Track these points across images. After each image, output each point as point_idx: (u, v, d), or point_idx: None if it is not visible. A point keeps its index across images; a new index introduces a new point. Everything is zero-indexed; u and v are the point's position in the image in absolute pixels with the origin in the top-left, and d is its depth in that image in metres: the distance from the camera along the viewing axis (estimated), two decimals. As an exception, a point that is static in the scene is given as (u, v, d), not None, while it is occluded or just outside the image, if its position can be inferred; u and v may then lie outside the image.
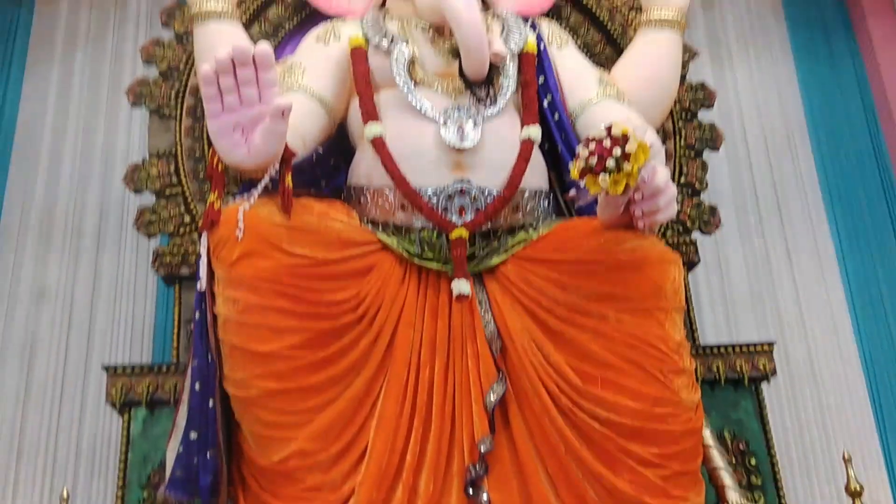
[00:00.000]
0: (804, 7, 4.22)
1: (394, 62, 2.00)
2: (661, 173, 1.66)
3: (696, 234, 2.39)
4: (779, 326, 3.59)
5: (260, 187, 1.72)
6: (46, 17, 3.81)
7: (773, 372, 2.28)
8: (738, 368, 2.25)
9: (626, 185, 1.59)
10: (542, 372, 1.72)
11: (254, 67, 1.55)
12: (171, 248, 2.14)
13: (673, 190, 1.70)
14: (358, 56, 2.05)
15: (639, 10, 2.43)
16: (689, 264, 2.36)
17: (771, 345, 2.32)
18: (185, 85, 2.26)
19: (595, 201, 1.77)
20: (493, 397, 1.71)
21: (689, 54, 2.46)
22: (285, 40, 2.43)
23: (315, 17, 2.35)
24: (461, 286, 1.76)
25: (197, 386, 1.71)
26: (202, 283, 1.71)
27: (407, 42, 2.06)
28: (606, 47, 2.55)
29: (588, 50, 2.51)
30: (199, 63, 2.07)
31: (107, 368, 2.11)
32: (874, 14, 4.04)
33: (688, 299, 2.24)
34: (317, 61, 2.10)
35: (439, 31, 2.09)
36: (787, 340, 3.55)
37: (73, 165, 3.57)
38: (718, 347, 2.30)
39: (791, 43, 4.16)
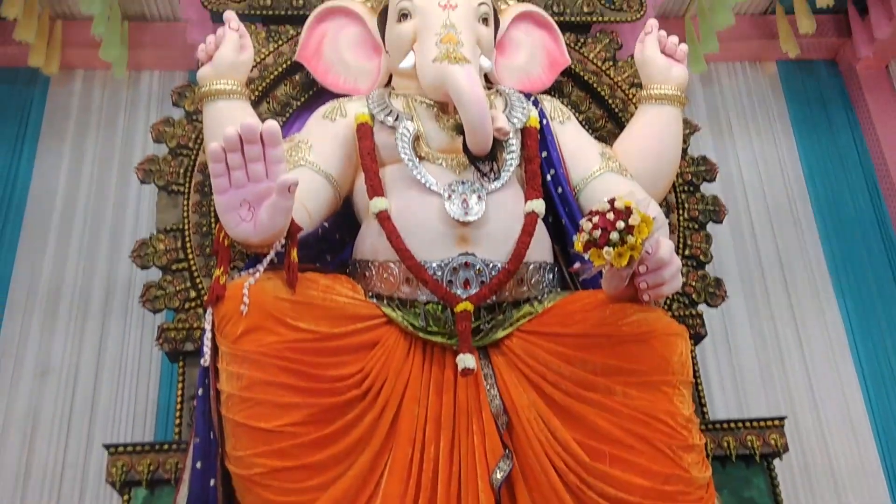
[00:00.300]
0: (801, 82, 4.31)
1: (399, 138, 2.02)
2: (664, 246, 1.66)
3: (702, 307, 2.37)
4: (789, 400, 3.54)
5: (265, 262, 1.73)
6: (60, 97, 3.91)
7: (785, 448, 2.23)
8: (750, 444, 2.21)
9: (630, 258, 1.59)
10: (549, 448, 1.69)
11: (261, 144, 1.57)
12: (176, 324, 2.14)
13: (677, 262, 1.70)
14: (364, 132, 2.08)
15: (639, 86, 2.48)
16: (697, 338, 2.34)
17: (782, 420, 2.28)
18: (194, 161, 2.29)
19: (600, 274, 1.77)
20: (499, 475, 1.68)
21: (689, 129, 2.49)
22: (293, 118, 2.47)
23: (322, 96, 2.40)
24: (466, 361, 1.74)
25: (198, 465, 1.69)
26: (206, 359, 1.70)
27: (412, 119, 2.09)
28: (608, 122, 2.58)
29: (590, 125, 2.55)
30: (207, 140, 2.10)
31: (107, 447, 2.07)
32: (870, 88, 4.12)
33: (696, 374, 2.21)
34: (323, 138, 2.13)
35: (443, 108, 2.13)
36: (798, 414, 3.50)
37: (81, 241, 3.61)
38: (729, 423, 2.26)
39: (790, 116, 4.23)
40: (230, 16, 2.13)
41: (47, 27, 3.75)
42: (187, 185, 2.27)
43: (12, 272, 3.52)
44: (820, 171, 4.09)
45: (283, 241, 1.72)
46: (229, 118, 2.01)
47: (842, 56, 4.32)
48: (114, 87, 3.96)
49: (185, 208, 2.24)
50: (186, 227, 2.22)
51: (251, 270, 1.74)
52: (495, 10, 2.34)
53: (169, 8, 3.93)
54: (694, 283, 2.36)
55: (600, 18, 2.68)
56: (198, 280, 2.17)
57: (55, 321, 3.45)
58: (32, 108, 3.85)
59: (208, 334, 1.70)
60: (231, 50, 2.09)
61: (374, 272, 1.94)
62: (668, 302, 2.33)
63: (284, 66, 2.44)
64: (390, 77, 2.36)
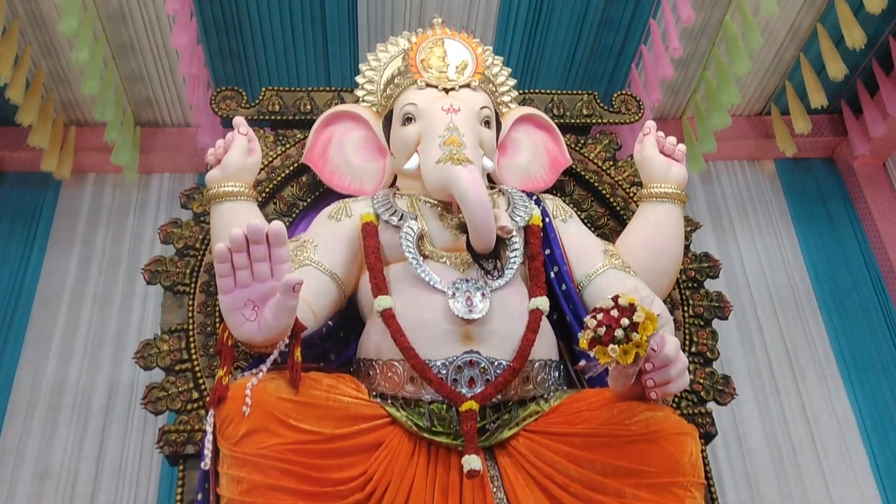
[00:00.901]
0: (800, 179, 4.38)
1: (403, 237, 2.04)
2: (670, 343, 1.65)
3: (711, 405, 2.33)
4: (804, 498, 3.44)
5: (269, 362, 1.72)
6: (71, 200, 3.99)
7: (805, 550, 2.15)
8: (767, 547, 2.12)
9: (636, 356, 1.58)
10: (558, 553, 1.63)
11: (267, 244, 1.59)
12: (177, 426, 2.10)
13: (684, 360, 1.69)
14: (369, 231, 2.11)
15: (639, 185, 2.51)
16: (707, 437, 2.29)
17: (799, 521, 2.21)
18: (201, 262, 2.31)
19: (606, 372, 1.76)
20: (507, 580, 1.62)
21: (691, 226, 2.51)
22: (299, 218, 2.50)
23: (328, 197, 2.44)
24: (472, 462, 1.70)
25: (197, 572, 1.63)
26: (206, 462, 1.67)
27: (416, 218, 2.12)
28: (610, 220, 2.61)
29: (592, 223, 2.57)
30: (214, 241, 2.13)
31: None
32: (869, 185, 4.19)
33: (708, 474, 2.15)
34: (329, 237, 2.15)
35: (447, 207, 2.16)
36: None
37: (85, 343, 3.61)
38: (744, 525, 2.18)
39: (791, 212, 4.28)
40: (240, 121, 2.20)
41: (61, 133, 3.86)
42: (193, 285, 2.28)
43: (16, 373, 3.51)
44: (823, 265, 4.10)
45: (286, 341, 1.71)
46: (236, 219, 2.04)
47: (839, 154, 4.40)
48: (124, 190, 4.04)
49: (191, 308, 2.24)
50: (191, 327, 2.22)
51: (254, 371, 1.73)
52: (497, 113, 2.40)
53: (180, 114, 4.05)
54: (702, 381, 2.33)
55: (599, 120, 2.75)
56: (201, 381, 2.15)
57: (56, 423, 3.41)
58: (43, 211, 3.92)
59: (209, 437, 1.68)
60: (240, 153, 2.14)
61: (378, 371, 1.93)
62: (677, 400, 2.29)
63: (291, 168, 2.48)
64: (395, 178, 2.40)
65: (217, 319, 2.23)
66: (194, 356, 2.18)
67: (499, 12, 3.61)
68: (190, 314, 2.23)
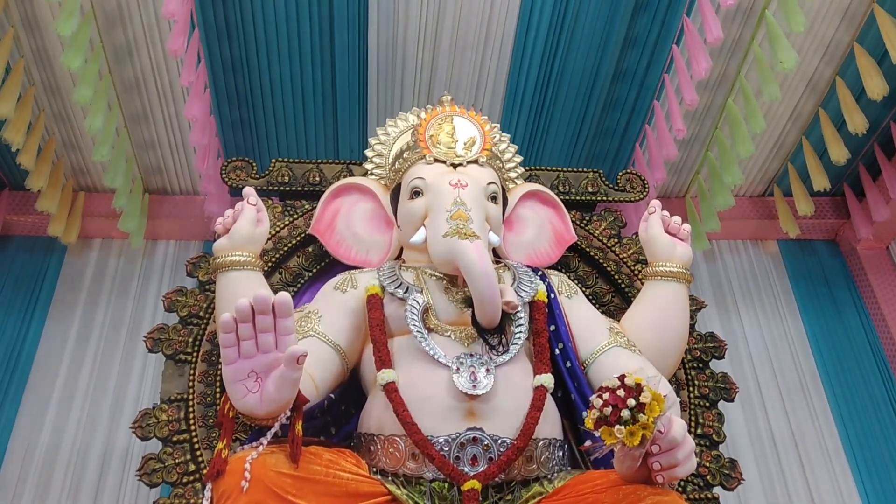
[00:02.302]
0: (803, 261, 4.39)
1: (409, 310, 2.04)
2: (677, 425, 1.63)
3: (717, 490, 2.29)
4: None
5: (269, 435, 1.69)
6: (75, 265, 3.99)
7: None
8: None
9: (643, 437, 1.55)
10: None
11: (272, 316, 1.58)
12: (172, 499, 2.06)
13: (691, 443, 1.66)
14: (374, 303, 2.10)
15: (644, 262, 2.53)
16: (714, 522, 2.24)
17: None
18: (204, 331, 2.30)
19: (611, 453, 1.73)
20: None
21: (696, 305, 2.51)
22: (304, 288, 2.50)
23: (334, 267, 2.45)
24: (474, 544, 1.66)
25: None
26: (201, 538, 1.63)
27: (421, 291, 2.12)
28: (614, 297, 2.61)
29: (596, 300, 2.57)
30: (219, 310, 2.12)
31: None
32: (873, 268, 4.19)
33: (715, 562, 2.10)
34: (333, 309, 2.15)
35: (453, 281, 2.17)
36: None
37: (81, 412, 3.57)
38: None
39: (794, 294, 4.28)
40: (249, 191, 2.22)
41: (70, 198, 3.90)
42: (195, 354, 2.26)
43: (9, 441, 3.45)
44: (828, 347, 4.08)
45: (288, 414, 1.69)
46: (242, 289, 2.05)
47: (842, 236, 4.43)
48: (129, 256, 4.05)
49: (192, 378, 2.22)
50: (191, 396, 2.19)
51: (254, 444, 1.70)
52: (503, 189, 2.43)
53: (189, 182, 4.09)
54: (708, 464, 2.29)
55: (605, 198, 2.78)
56: (198, 453, 2.12)
57: (47, 494, 3.34)
58: (47, 275, 3.92)
59: (205, 511, 1.64)
60: (248, 223, 2.16)
61: (379, 446, 1.90)
62: (683, 484, 2.24)
63: (298, 238, 2.50)
64: (401, 250, 2.42)
65: (218, 390, 2.21)
66: (193, 427, 2.15)
67: (506, 91, 3.69)
68: (191, 384, 2.21)
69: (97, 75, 3.22)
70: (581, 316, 2.27)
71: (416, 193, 2.25)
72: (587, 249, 2.64)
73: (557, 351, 2.17)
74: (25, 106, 3.30)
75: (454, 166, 2.30)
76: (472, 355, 1.96)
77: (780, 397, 3.91)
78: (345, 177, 2.63)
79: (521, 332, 2.06)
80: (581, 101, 3.74)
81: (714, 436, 2.34)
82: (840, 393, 3.93)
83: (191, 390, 2.21)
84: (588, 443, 1.70)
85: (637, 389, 1.57)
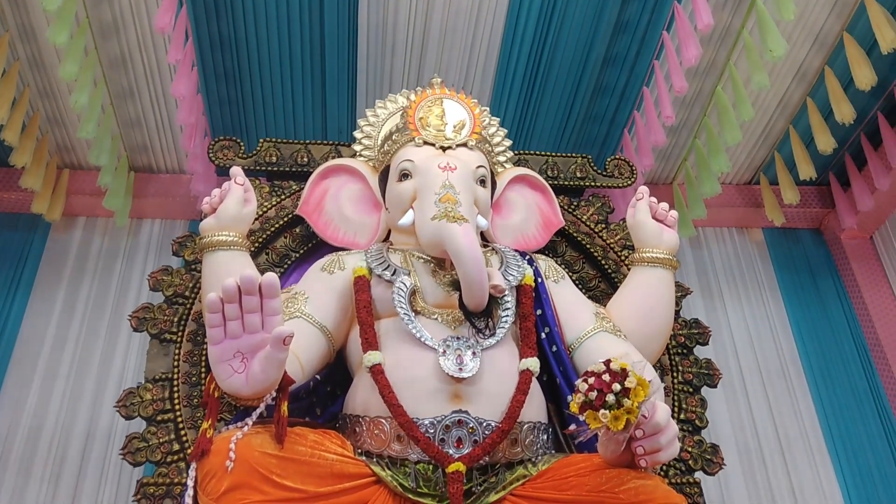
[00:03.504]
0: (788, 249, 4.42)
1: (396, 292, 2.04)
2: (661, 410, 1.64)
3: (699, 475, 2.31)
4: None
5: (255, 415, 1.69)
6: (59, 243, 3.95)
7: None
8: None
9: (627, 422, 1.56)
10: None
11: (259, 296, 1.58)
12: (156, 479, 2.05)
13: (674, 428, 1.67)
14: (361, 285, 2.10)
15: (631, 248, 2.54)
16: (694, 506, 2.27)
17: None
18: (189, 310, 2.29)
19: (595, 437, 1.74)
20: None
21: (681, 291, 2.52)
22: (291, 269, 2.50)
23: (321, 248, 2.44)
24: (457, 525, 1.66)
25: None
26: (185, 517, 1.63)
27: (409, 274, 2.12)
28: (601, 283, 2.62)
29: (583, 285, 2.58)
30: (205, 290, 2.11)
31: None
32: (856, 258, 4.22)
33: (695, 545, 2.12)
34: (320, 290, 2.15)
35: (440, 264, 2.17)
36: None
37: (64, 390, 3.55)
38: None
39: (778, 282, 4.31)
40: (237, 171, 2.21)
41: (54, 175, 3.86)
42: (180, 333, 2.25)
43: (-8, 421, 3.43)
44: (810, 336, 4.12)
45: (274, 394, 1.69)
46: (228, 269, 2.04)
47: (826, 225, 4.46)
48: (114, 235, 4.02)
49: (177, 357, 2.22)
50: (176, 376, 2.19)
51: (239, 424, 1.70)
52: (492, 173, 2.43)
53: (175, 160, 4.06)
54: (690, 449, 2.31)
55: (593, 183, 2.78)
56: (182, 433, 2.11)
57: (29, 473, 3.32)
58: (30, 253, 3.88)
59: (190, 491, 1.64)
60: (235, 203, 2.15)
61: (364, 428, 1.90)
62: (665, 468, 2.26)
63: (286, 219, 2.49)
64: (389, 233, 2.41)
65: (203, 370, 2.20)
66: (177, 407, 2.15)
67: (496, 74, 3.68)
68: (175, 363, 2.21)
69: (83, 51, 3.18)
70: (567, 300, 2.28)
71: (404, 176, 2.25)
72: (574, 234, 2.64)
73: (543, 335, 2.18)
74: (10, 81, 3.26)
75: (443, 149, 2.29)
76: (458, 338, 1.96)
77: (763, 384, 3.95)
78: (333, 158, 2.62)
79: (507, 315, 2.07)
80: (571, 86, 3.74)
81: (697, 421, 2.36)
82: (822, 381, 3.97)
83: (175, 370, 2.20)
84: (572, 426, 1.71)
85: (622, 374, 1.58)
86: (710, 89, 3.76)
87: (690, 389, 2.41)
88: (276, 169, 2.62)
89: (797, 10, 3.14)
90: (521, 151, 2.79)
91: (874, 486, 3.66)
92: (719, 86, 3.67)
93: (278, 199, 2.53)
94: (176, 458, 2.09)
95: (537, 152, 2.82)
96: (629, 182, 2.81)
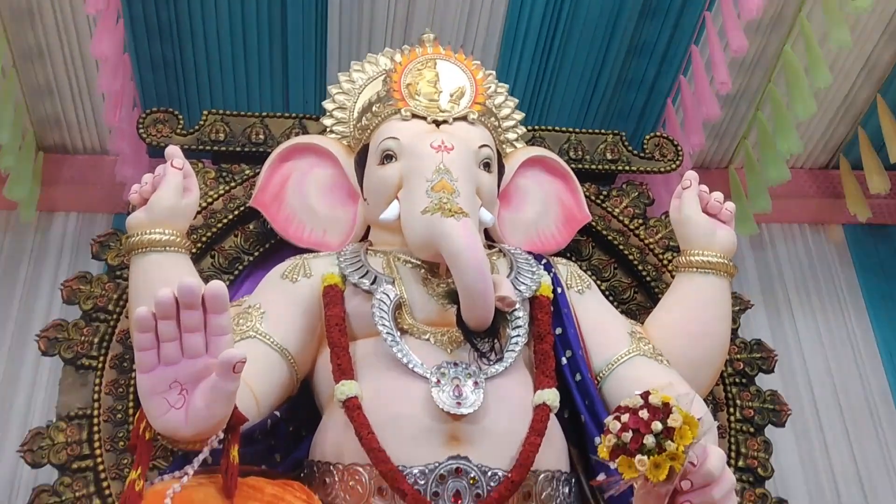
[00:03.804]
0: (875, 250, 4.43)
1: (376, 306, 2.04)
2: (714, 456, 1.64)
3: (763, 538, 2.32)
4: None
5: (197, 462, 1.69)
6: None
7: None
8: None
9: (671, 470, 1.56)
10: None
11: (202, 310, 1.57)
12: (72, 544, 2.06)
13: (731, 478, 1.67)
14: (332, 297, 2.11)
15: (675, 249, 2.54)
16: (758, 581, 2.28)
17: None
18: (114, 329, 2.29)
19: (630, 490, 1.74)
20: None
21: (740, 305, 2.53)
22: (243, 276, 2.50)
23: (282, 250, 2.44)
24: None
25: None
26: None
27: (393, 282, 2.12)
28: (637, 294, 2.63)
29: (615, 296, 2.58)
30: (133, 302, 2.11)
31: None
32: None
33: None
34: (280, 303, 2.15)
35: (433, 269, 2.17)
36: None
37: (-45, 427, 3.53)
38: None
39: (863, 292, 4.31)
40: (174, 151, 2.20)
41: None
42: (102, 359, 2.25)
43: None
44: (904, 360, 4.12)
45: (221, 436, 1.69)
46: (163, 276, 2.03)
47: (924, 221, 4.47)
48: (18, 232, 4.01)
49: (97, 389, 2.21)
50: (96, 412, 2.19)
51: (177, 474, 1.70)
52: (499, 154, 2.43)
53: (96, 138, 4.05)
54: (752, 505, 2.32)
55: (627, 167, 2.79)
56: (105, 484, 2.11)
57: None
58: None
59: (113, 559, 1.64)
60: (172, 193, 2.14)
61: (336, 478, 1.91)
62: (719, 529, 2.27)
63: (236, 212, 2.49)
64: (367, 230, 2.42)
65: (131, 404, 2.21)
66: (98, 451, 2.15)
67: (504, 28, 3.68)
68: (96, 396, 2.21)
69: (-22, -1, 3.19)
70: (595, 317, 2.29)
71: (387, 157, 2.25)
72: (604, 232, 2.65)
73: (564, 360, 2.18)
74: None
75: (437, 124, 2.30)
76: (456, 364, 1.97)
77: (843, 422, 3.95)
78: (297, 134, 2.62)
79: (518, 335, 2.07)
80: (599, 44, 3.74)
81: (759, 469, 2.37)
82: (918, 417, 3.98)
83: (96, 404, 2.20)
84: (601, 476, 1.71)
85: (665, 410, 1.58)
86: (777, 49, 3.77)
87: (751, 429, 2.41)
88: (224, 148, 2.62)
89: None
90: (537, 127, 2.81)
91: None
92: (788, 44, 3.67)
93: (227, 188, 2.53)
94: (96, 516, 2.10)
95: (557, 128, 2.83)
96: (674, 166, 2.82)
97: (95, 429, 2.18)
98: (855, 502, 3.78)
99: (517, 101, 2.68)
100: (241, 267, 2.49)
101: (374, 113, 2.37)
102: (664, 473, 1.56)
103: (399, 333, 2.03)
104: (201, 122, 2.65)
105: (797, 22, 3.58)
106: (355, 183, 2.42)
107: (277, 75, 3.81)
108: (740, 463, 2.37)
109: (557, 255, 2.52)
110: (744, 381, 2.48)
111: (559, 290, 2.27)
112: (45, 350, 2.26)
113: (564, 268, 2.38)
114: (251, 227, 2.52)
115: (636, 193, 2.74)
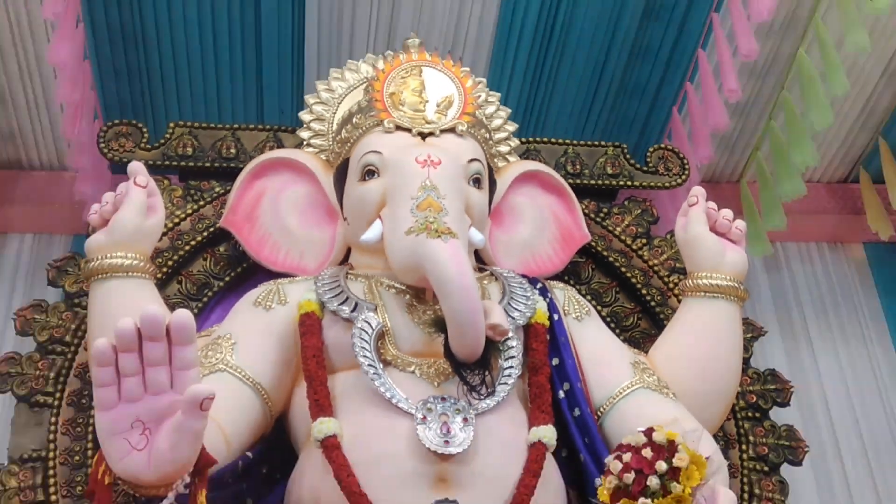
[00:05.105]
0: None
1: (357, 335, 2.04)
2: (725, 498, 1.64)
3: (780, 585, 2.32)
4: None
5: (160, 511, 1.69)
6: None
7: None
8: None
9: (678, 514, 1.57)
10: None
11: (167, 342, 1.57)
12: None
13: (743, 522, 1.68)
14: (309, 326, 2.10)
15: (682, 272, 2.54)
16: None
17: None
18: (71, 363, 2.28)
19: (634, 535, 1.74)
20: None
21: (752, 332, 2.53)
22: (213, 303, 2.49)
23: (255, 275, 2.44)
24: None
25: None
26: None
27: (375, 309, 2.12)
28: (641, 320, 2.63)
29: (617, 323, 2.59)
30: (92, 334, 2.11)
31: None
32: None
33: None
34: (253, 333, 2.14)
35: (419, 295, 2.17)
36: None
37: None
38: None
39: (885, 315, 4.33)
40: (137, 168, 2.20)
41: None
42: (59, 395, 2.24)
43: None
44: (931, 389, 4.14)
45: (187, 480, 1.68)
46: (125, 304, 2.03)
47: (950, 239, 4.49)
48: (-32, 257, 4.01)
49: (53, 429, 2.20)
50: (52, 455, 2.17)
51: (139, 523, 1.70)
52: (490, 169, 2.44)
53: (53, 153, 4.06)
54: (766, 552, 2.32)
55: (629, 183, 2.79)
56: (61, 536, 2.11)
57: None
58: None
59: None
60: (135, 213, 2.14)
61: (314, 526, 1.90)
62: (732, 577, 2.27)
63: (205, 233, 2.49)
64: (348, 253, 2.42)
65: (90, 445, 2.19)
66: (54, 497, 2.14)
67: (496, 32, 3.70)
68: (52, 437, 2.20)
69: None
70: (595, 345, 2.29)
71: (369, 173, 2.26)
72: (605, 253, 2.65)
73: (562, 393, 2.18)
74: None
75: (423, 136, 2.30)
76: (444, 399, 1.96)
77: (866, 459, 3.96)
78: (271, 148, 2.63)
79: (512, 367, 2.07)
80: (599, 47, 3.76)
81: (775, 512, 2.37)
82: (947, 453, 3.99)
83: (52, 445, 2.19)
84: (602, 521, 1.71)
85: (670, 449, 1.58)
86: (790, 53, 3.79)
87: (766, 468, 2.41)
88: (192, 164, 2.62)
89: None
90: (531, 139, 2.81)
91: None
92: (802, 48, 3.70)
93: (195, 207, 2.53)
94: (48, 575, 2.09)
95: (553, 140, 2.84)
96: (680, 181, 2.83)
97: (51, 472, 2.16)
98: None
99: (510, 110, 2.68)
100: (210, 293, 2.48)
101: (355, 125, 2.38)
102: (670, 517, 1.56)
103: (382, 365, 2.02)
104: (167, 136, 2.65)
105: (812, 24, 3.61)
106: (334, 201, 2.42)
107: (250, 83, 3.82)
108: (754, 504, 2.37)
109: (554, 278, 2.52)
110: (757, 415, 2.48)
111: (556, 316, 2.27)
112: (-4, 386, 2.26)
113: (562, 292, 2.38)
114: (221, 249, 2.52)
115: (639, 211, 2.75)
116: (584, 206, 2.65)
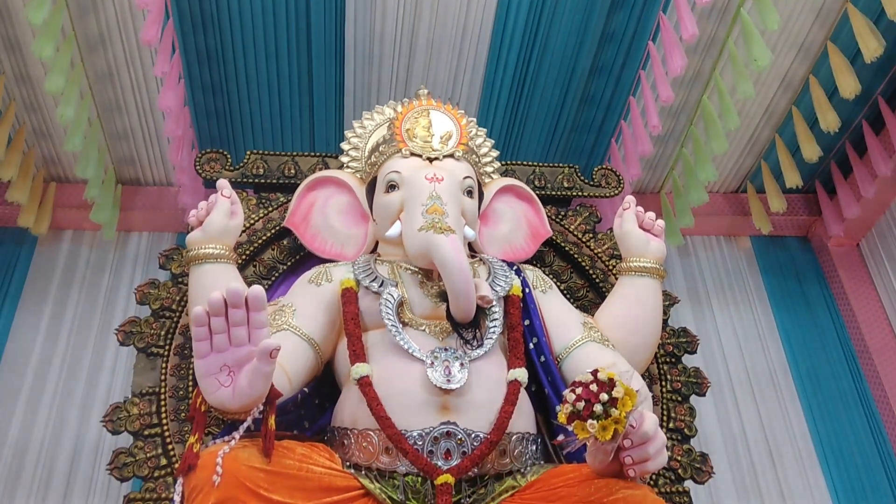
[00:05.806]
0: (775, 257, 4.44)
1: (383, 303, 2.04)
2: (649, 420, 1.64)
3: (688, 483, 2.31)
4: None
5: (242, 429, 1.68)
6: (46, 257, 3.93)
7: None
8: None
9: (615, 432, 1.57)
10: None
11: (245, 309, 1.57)
12: (143, 493, 2.04)
13: (662, 437, 1.67)
14: (348, 297, 2.10)
15: (618, 257, 2.54)
16: (685, 516, 2.27)
17: None
18: (176, 324, 2.28)
19: (584, 447, 1.74)
20: None
21: (669, 300, 2.53)
22: (278, 281, 2.49)
23: (308, 261, 2.43)
24: (446, 537, 1.66)
25: None
26: (172, 532, 1.61)
27: (396, 285, 2.12)
28: (589, 292, 2.62)
29: (571, 294, 2.58)
30: (191, 303, 2.11)
31: None
32: (843, 265, 4.25)
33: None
34: (308, 302, 2.14)
35: (428, 275, 2.17)
36: None
37: (51, 405, 3.52)
38: None
39: (766, 289, 4.32)
40: (223, 184, 2.20)
41: (41, 189, 3.84)
42: (167, 347, 2.24)
43: (-24, 435, 3.40)
44: (799, 344, 4.13)
45: (261, 408, 1.68)
46: (215, 282, 2.03)
47: (813, 233, 4.48)
48: (101, 248, 4.00)
49: (164, 371, 2.20)
50: (163, 390, 2.18)
51: (226, 438, 1.69)
52: (479, 183, 2.44)
53: (162, 173, 4.05)
54: (679, 458, 2.31)
55: (580, 193, 2.79)
56: (170, 447, 2.10)
57: (16, 489, 3.29)
58: (17, 267, 3.86)
59: (176, 506, 1.63)
60: (222, 216, 2.14)
61: (352, 440, 1.90)
62: (654, 478, 2.26)
63: (273, 231, 2.49)
64: (376, 244, 2.41)
65: (190, 383, 2.19)
66: (164, 421, 2.14)
67: (483, 85, 3.69)
68: (163, 377, 2.20)
69: (69, 64, 3.18)
70: (555, 311, 2.28)
71: (391, 187, 2.25)
72: (562, 244, 2.65)
73: (531, 345, 2.18)
74: (-5, 95, 3.25)
75: (430, 160, 2.30)
76: (446, 349, 1.96)
77: (752, 392, 3.96)
78: (320, 170, 2.62)
79: (495, 326, 2.07)
80: (558, 96, 3.75)
81: (685, 430, 2.36)
82: (810, 388, 3.98)
83: (163, 384, 2.19)
84: (561, 437, 1.71)
85: (609, 384, 1.58)
86: (697, 99, 3.78)
87: (679, 398, 2.41)
88: (263, 181, 2.62)
89: (781, 20, 3.17)
90: (509, 162, 2.80)
91: (864, 492, 3.67)
92: (705, 95, 3.69)
93: (265, 212, 2.53)
94: (163, 472, 2.08)
95: (524, 163, 2.82)
96: (616, 192, 2.82)
97: (162, 403, 2.17)
98: (761, 454, 3.78)
99: (493, 141, 2.67)
100: (276, 274, 2.48)
101: (381, 152, 2.37)
102: (610, 434, 1.56)
103: (401, 326, 2.03)
104: (245, 160, 2.65)
105: (713, 77, 3.60)
106: (366, 207, 2.41)
107: (305, 122, 3.81)
108: (670, 425, 2.36)
109: (526, 262, 2.51)
110: (673, 360, 2.48)
111: (527, 290, 2.27)
112: (122, 341, 2.25)
113: (531, 272, 2.38)
114: (285, 242, 2.51)
115: (587, 213, 2.74)
116: (547, 210, 2.64)
